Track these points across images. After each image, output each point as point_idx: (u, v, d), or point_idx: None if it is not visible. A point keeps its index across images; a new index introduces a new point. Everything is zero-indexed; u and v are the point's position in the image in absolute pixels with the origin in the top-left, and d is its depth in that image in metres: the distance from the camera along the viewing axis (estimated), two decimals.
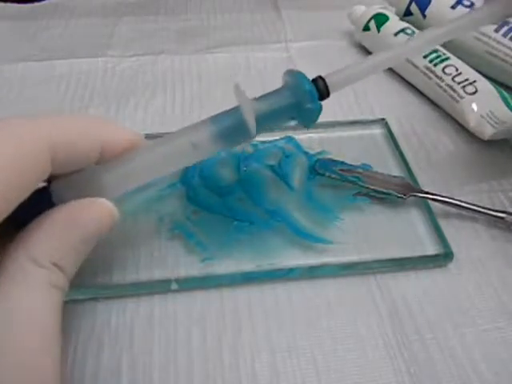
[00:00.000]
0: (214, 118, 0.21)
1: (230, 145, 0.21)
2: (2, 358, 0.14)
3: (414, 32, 0.38)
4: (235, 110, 0.20)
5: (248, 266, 0.24)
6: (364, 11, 0.40)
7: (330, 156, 0.29)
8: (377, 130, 0.32)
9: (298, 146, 0.29)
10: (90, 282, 0.23)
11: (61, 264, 0.16)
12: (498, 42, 0.35)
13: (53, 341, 0.16)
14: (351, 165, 0.28)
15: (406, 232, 0.26)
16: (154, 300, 0.23)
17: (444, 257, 0.24)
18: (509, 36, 0.35)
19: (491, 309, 0.23)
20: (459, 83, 0.33)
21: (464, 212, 0.26)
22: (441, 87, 0.34)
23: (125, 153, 0.19)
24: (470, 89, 0.32)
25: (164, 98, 0.36)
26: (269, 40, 0.43)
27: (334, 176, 0.27)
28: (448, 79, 0.33)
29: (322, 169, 0.27)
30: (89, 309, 0.22)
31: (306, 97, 0.21)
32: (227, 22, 0.45)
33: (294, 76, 0.22)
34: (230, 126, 0.20)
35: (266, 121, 0.21)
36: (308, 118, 0.21)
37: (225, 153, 0.28)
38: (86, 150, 0.18)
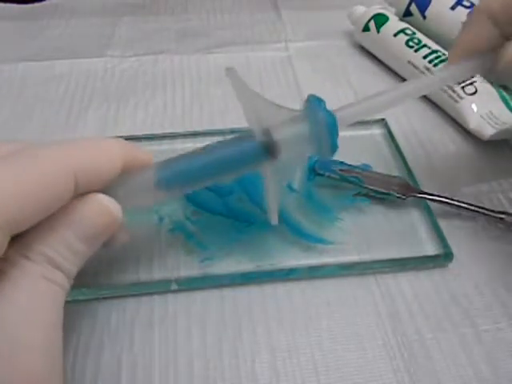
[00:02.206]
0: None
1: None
2: None
3: (414, 33, 0.38)
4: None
5: (248, 266, 0.24)
6: (364, 11, 0.40)
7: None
8: (377, 130, 0.32)
9: None
10: (90, 282, 0.23)
11: (56, 261, 0.16)
12: None
13: (52, 339, 0.15)
14: (351, 165, 0.28)
15: (406, 232, 0.26)
16: (154, 300, 0.23)
17: (444, 257, 0.24)
18: None
19: (491, 309, 0.23)
20: (459, 83, 0.33)
21: (464, 212, 0.26)
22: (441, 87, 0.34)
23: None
24: (470, 89, 0.32)
25: (164, 98, 0.36)
26: (269, 40, 0.43)
27: (333, 176, 0.27)
28: None
29: (321, 169, 0.27)
30: (89, 309, 0.22)
31: (326, 130, 0.20)
32: (227, 22, 0.45)
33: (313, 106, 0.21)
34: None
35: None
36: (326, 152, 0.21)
37: None
38: (107, 174, 0.18)
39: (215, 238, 0.25)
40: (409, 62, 0.36)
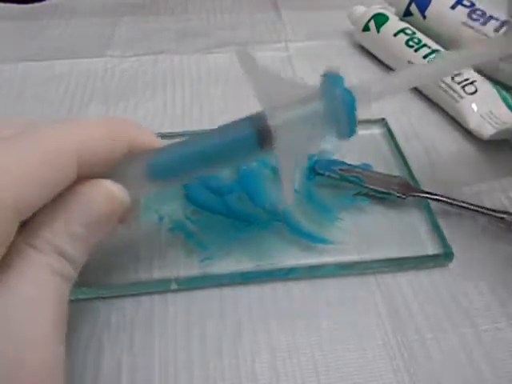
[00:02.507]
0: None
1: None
2: None
3: (414, 32, 0.38)
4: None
5: (248, 265, 0.24)
6: (364, 11, 0.40)
7: (329, 156, 0.29)
8: (377, 130, 0.32)
9: None
10: (90, 282, 0.23)
11: (63, 250, 0.15)
12: None
13: (57, 332, 0.15)
14: (351, 164, 0.28)
15: (406, 232, 0.26)
16: (154, 300, 0.23)
17: (444, 257, 0.24)
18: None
19: (491, 309, 0.23)
20: (459, 83, 0.33)
21: (464, 212, 0.26)
22: (441, 87, 0.34)
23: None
24: (470, 89, 0.32)
25: (164, 97, 0.36)
26: (269, 40, 0.43)
27: (333, 176, 0.27)
28: (448, 79, 0.33)
29: (321, 169, 0.27)
30: (89, 308, 0.22)
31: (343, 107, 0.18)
32: (227, 22, 0.45)
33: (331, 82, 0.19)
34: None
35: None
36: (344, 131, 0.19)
37: None
38: (111, 154, 0.17)
39: (215, 237, 0.25)
40: (409, 61, 0.36)
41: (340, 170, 0.27)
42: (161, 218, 0.26)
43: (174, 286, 0.23)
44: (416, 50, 0.36)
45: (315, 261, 0.24)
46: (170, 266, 0.24)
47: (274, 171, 0.27)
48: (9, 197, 0.14)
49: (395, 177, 0.28)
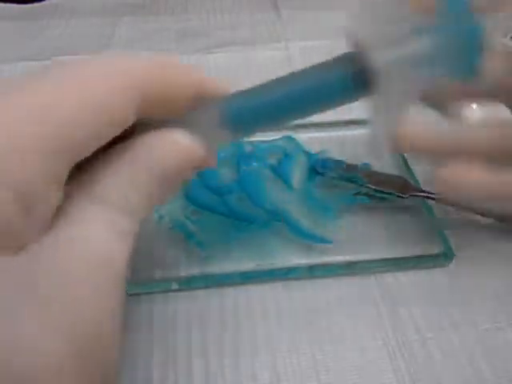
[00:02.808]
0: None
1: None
2: (55, 305, 0.12)
3: None
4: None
5: (248, 265, 0.24)
6: None
7: (329, 156, 0.29)
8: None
9: (298, 145, 0.29)
10: None
11: (125, 205, 0.14)
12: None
13: (117, 295, 0.14)
14: (351, 165, 0.28)
15: (406, 232, 0.26)
16: (154, 300, 0.23)
17: (444, 256, 0.24)
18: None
19: (491, 308, 0.23)
20: None
21: (464, 212, 0.26)
22: None
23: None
24: None
25: None
26: (268, 40, 0.43)
27: (334, 175, 0.27)
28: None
29: (321, 169, 0.27)
30: None
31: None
32: (227, 22, 0.45)
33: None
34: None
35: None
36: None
37: (224, 152, 0.28)
38: (176, 98, 0.15)
39: (215, 237, 0.25)
40: None
41: (340, 169, 0.27)
42: (161, 218, 0.26)
43: (174, 286, 0.23)
44: None
45: (315, 260, 0.24)
46: (170, 266, 0.24)
47: (274, 171, 0.27)
48: (57, 126, 0.12)
49: (395, 177, 0.28)
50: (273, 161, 0.28)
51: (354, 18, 0.16)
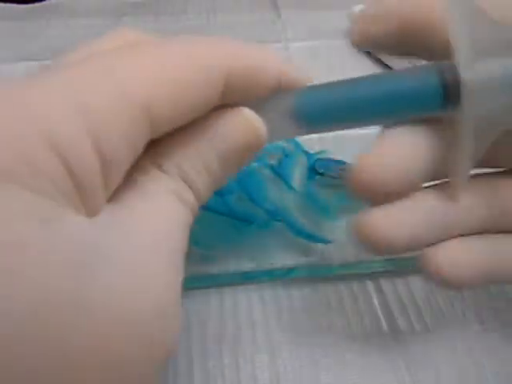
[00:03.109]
0: None
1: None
2: (113, 267, 0.11)
3: None
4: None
5: (248, 265, 0.24)
6: None
7: (330, 156, 0.29)
8: (377, 130, 0.32)
9: (297, 145, 0.29)
10: None
11: (190, 177, 0.14)
12: None
13: (177, 268, 0.14)
14: (351, 164, 0.28)
15: None
16: None
17: None
18: None
19: (494, 308, 0.23)
20: None
21: None
22: None
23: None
24: None
25: None
26: (268, 39, 0.43)
27: (334, 175, 0.27)
28: None
29: (321, 169, 0.27)
30: None
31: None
32: (227, 22, 0.45)
33: None
34: None
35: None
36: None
37: None
38: (258, 83, 0.15)
39: (215, 237, 0.25)
40: (409, 61, 0.36)
41: (340, 169, 0.27)
42: None
43: None
44: None
45: (315, 261, 0.24)
46: None
47: (274, 170, 0.27)
48: (140, 96, 0.12)
49: None
50: (273, 161, 0.28)
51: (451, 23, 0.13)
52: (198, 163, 0.14)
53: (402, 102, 0.15)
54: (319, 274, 0.24)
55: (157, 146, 0.14)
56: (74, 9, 0.47)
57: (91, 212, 0.12)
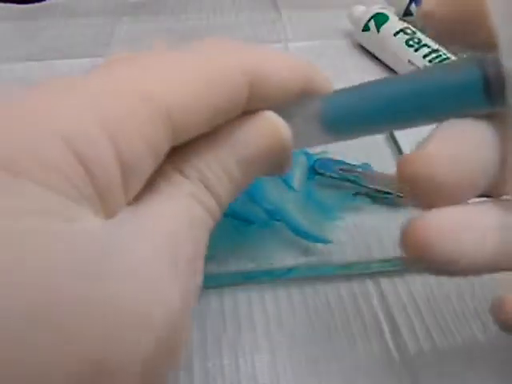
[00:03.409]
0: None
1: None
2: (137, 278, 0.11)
3: (414, 32, 0.38)
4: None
5: (248, 265, 0.24)
6: (364, 11, 0.40)
7: (330, 156, 0.29)
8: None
9: None
10: None
11: (210, 182, 0.14)
12: None
13: (188, 266, 0.13)
14: (351, 164, 0.28)
15: None
16: None
17: None
18: None
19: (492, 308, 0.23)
20: None
21: None
22: None
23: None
24: None
25: None
26: (268, 40, 0.43)
27: (334, 175, 0.27)
28: None
29: (321, 168, 0.27)
30: None
31: None
32: (227, 22, 0.45)
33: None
34: None
35: None
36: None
37: None
38: (284, 90, 0.14)
39: (214, 237, 0.24)
40: (409, 61, 0.36)
41: (340, 169, 0.27)
42: None
43: None
44: (416, 50, 0.36)
45: (315, 261, 0.24)
46: None
47: None
48: (162, 104, 0.12)
49: (395, 177, 0.28)
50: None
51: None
52: (218, 169, 0.14)
53: (440, 99, 0.13)
54: (319, 274, 0.24)
55: (179, 152, 0.14)
56: (73, 9, 0.47)
57: (110, 214, 0.12)
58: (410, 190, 0.13)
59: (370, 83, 0.15)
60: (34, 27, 0.44)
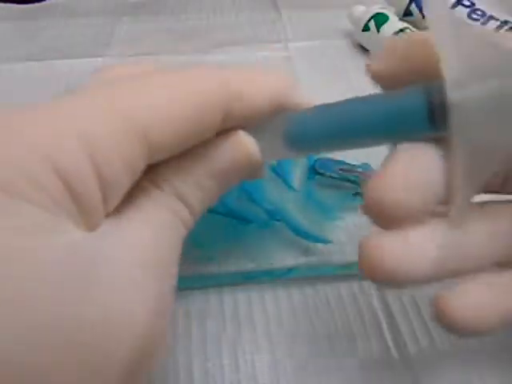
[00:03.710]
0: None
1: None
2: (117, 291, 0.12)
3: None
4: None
5: (248, 265, 0.24)
6: (364, 11, 0.40)
7: (329, 156, 0.29)
8: None
9: None
10: None
11: (184, 196, 0.15)
12: None
13: (169, 281, 0.15)
14: (351, 164, 0.28)
15: None
16: None
17: None
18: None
19: None
20: None
21: None
22: None
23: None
24: None
25: None
26: (268, 40, 0.43)
27: (334, 175, 0.27)
28: None
29: (321, 168, 0.27)
30: None
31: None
32: (227, 22, 0.45)
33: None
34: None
35: None
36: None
37: None
38: (259, 111, 0.16)
39: (214, 237, 0.25)
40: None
41: (340, 169, 0.27)
42: None
43: None
44: None
45: (315, 261, 0.24)
46: None
47: (274, 170, 0.27)
48: (138, 125, 0.13)
49: None
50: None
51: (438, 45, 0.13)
52: (192, 183, 0.15)
53: (387, 123, 0.14)
54: (319, 274, 0.24)
55: (156, 167, 0.14)
56: (73, 9, 0.47)
57: (92, 227, 0.13)
58: (368, 212, 0.15)
59: (331, 104, 0.16)
60: (34, 27, 0.44)
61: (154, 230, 0.14)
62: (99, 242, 0.12)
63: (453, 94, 0.12)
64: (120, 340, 0.12)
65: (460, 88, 0.12)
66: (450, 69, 0.12)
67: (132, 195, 0.14)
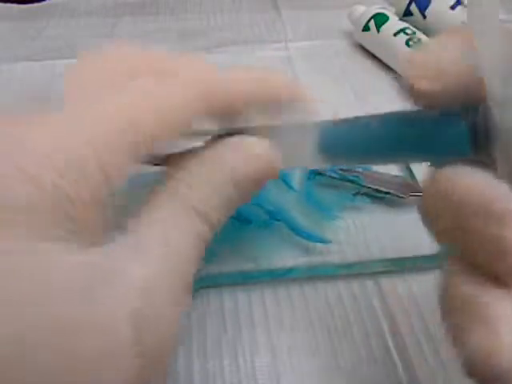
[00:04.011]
0: None
1: None
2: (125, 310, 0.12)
3: (414, 32, 0.38)
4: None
5: (248, 265, 0.24)
6: (364, 11, 0.40)
7: None
8: None
9: None
10: None
11: (200, 211, 0.15)
12: None
13: (183, 302, 0.15)
14: None
15: (406, 232, 0.26)
16: None
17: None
18: None
19: None
20: None
21: None
22: None
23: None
24: None
25: None
26: (268, 40, 0.43)
27: (334, 175, 0.27)
28: None
29: (321, 169, 0.27)
30: None
31: None
32: (227, 22, 0.45)
33: None
34: None
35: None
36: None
37: None
38: (261, 108, 0.16)
39: (214, 237, 0.24)
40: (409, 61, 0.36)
41: (340, 169, 0.27)
42: None
43: None
44: None
45: (315, 260, 0.24)
46: None
47: None
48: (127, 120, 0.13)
49: (395, 177, 0.28)
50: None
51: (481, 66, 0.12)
52: (212, 199, 0.15)
53: (428, 145, 0.14)
54: (319, 274, 0.24)
55: (173, 176, 0.15)
56: (73, 9, 0.47)
57: (97, 242, 0.13)
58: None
59: (365, 117, 0.16)
60: (34, 27, 0.44)
61: (169, 247, 0.14)
62: (105, 257, 0.12)
63: (498, 118, 0.12)
64: (124, 356, 0.12)
65: (504, 111, 0.12)
66: (495, 91, 0.12)
67: (149, 214, 0.14)
